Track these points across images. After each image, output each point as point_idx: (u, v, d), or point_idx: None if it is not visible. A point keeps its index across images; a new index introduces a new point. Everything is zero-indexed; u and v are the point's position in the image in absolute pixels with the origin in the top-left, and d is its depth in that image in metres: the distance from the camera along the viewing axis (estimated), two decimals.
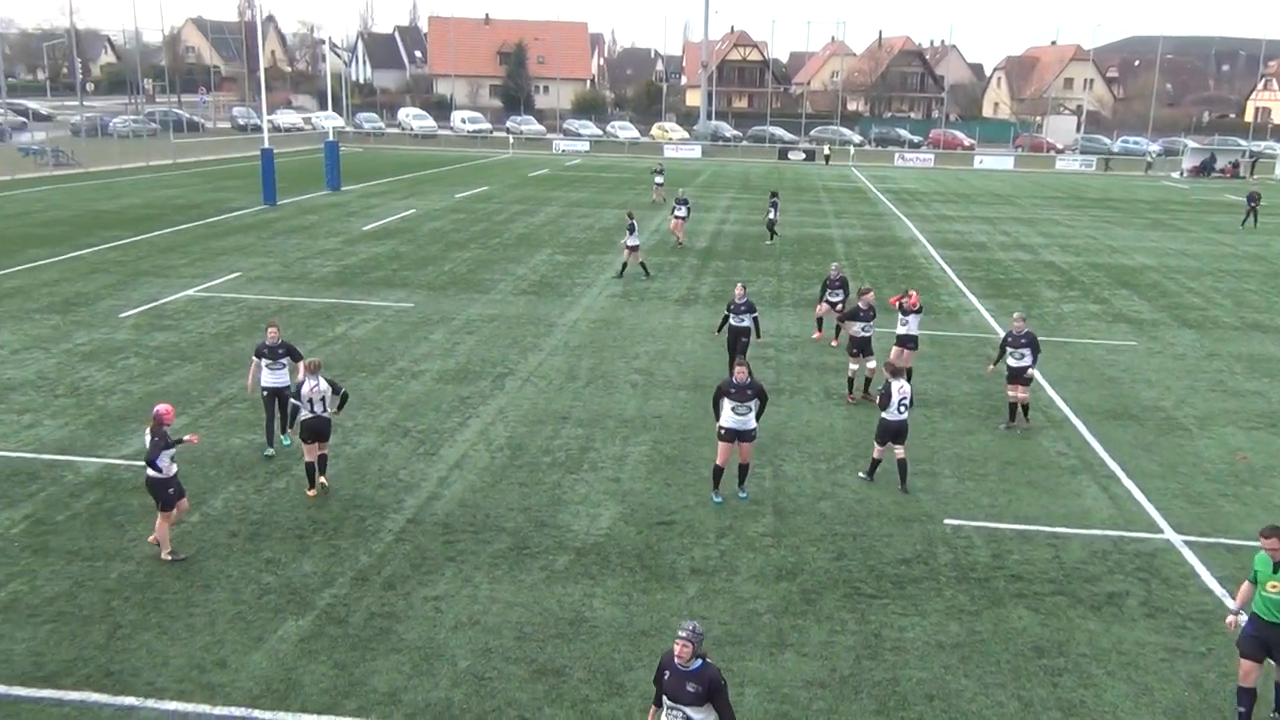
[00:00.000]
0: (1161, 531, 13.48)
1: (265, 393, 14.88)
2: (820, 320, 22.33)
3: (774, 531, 13.05)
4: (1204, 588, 11.98)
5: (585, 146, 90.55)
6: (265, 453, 14.92)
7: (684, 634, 7.20)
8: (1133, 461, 15.98)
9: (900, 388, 14.17)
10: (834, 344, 21.92)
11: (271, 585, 11.25)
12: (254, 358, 14.95)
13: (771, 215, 37.36)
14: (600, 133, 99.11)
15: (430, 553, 12.12)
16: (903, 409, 14.17)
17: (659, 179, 49.51)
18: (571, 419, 17.05)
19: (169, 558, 11.67)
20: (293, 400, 13.71)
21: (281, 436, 15.12)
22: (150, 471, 11.54)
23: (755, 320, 19.07)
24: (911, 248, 37.69)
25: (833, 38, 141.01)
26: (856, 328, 18.45)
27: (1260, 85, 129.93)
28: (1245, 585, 9.39)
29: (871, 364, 18.41)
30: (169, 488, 11.59)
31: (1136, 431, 17.45)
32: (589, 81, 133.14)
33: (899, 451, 14.35)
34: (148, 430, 11.64)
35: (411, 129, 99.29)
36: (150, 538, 11.96)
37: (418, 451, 15.38)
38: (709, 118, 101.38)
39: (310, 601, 10.94)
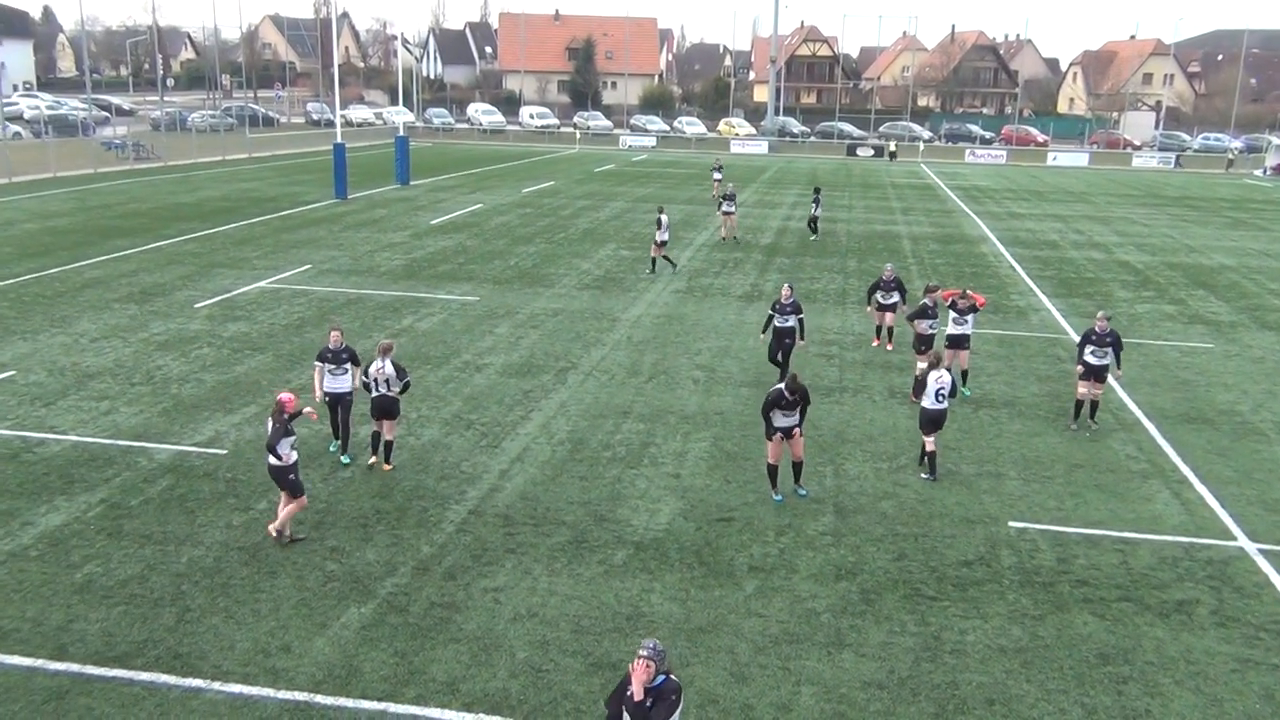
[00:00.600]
0: (1235, 539, 13.13)
1: (327, 398, 14.63)
2: (879, 329, 21.92)
3: (834, 530, 12.96)
4: (1279, 598, 11.65)
5: (652, 142, 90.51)
6: (330, 447, 15.08)
7: (645, 653, 6.91)
8: (1206, 466, 15.58)
9: (938, 377, 14.27)
10: (889, 347, 21.54)
11: (335, 573, 11.46)
12: (316, 362, 14.74)
13: (815, 211, 37.53)
14: (667, 128, 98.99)
15: (490, 544, 12.25)
16: (941, 398, 14.26)
17: (717, 175, 49.43)
18: (633, 414, 17.09)
19: (274, 533, 11.94)
20: (362, 378, 14.06)
21: (342, 457, 14.79)
22: (271, 459, 11.80)
23: (800, 321, 18.41)
24: (980, 245, 37.11)
25: (904, 32, 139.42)
26: (924, 325, 18.27)
27: None
28: None
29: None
30: (290, 474, 11.84)
31: (1211, 436, 17.01)
32: (657, 77, 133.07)
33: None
34: (269, 417, 11.89)
35: (480, 124, 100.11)
36: (270, 525, 12.13)
37: (480, 444, 15.54)
38: (777, 113, 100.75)
39: (372, 590, 11.12)
